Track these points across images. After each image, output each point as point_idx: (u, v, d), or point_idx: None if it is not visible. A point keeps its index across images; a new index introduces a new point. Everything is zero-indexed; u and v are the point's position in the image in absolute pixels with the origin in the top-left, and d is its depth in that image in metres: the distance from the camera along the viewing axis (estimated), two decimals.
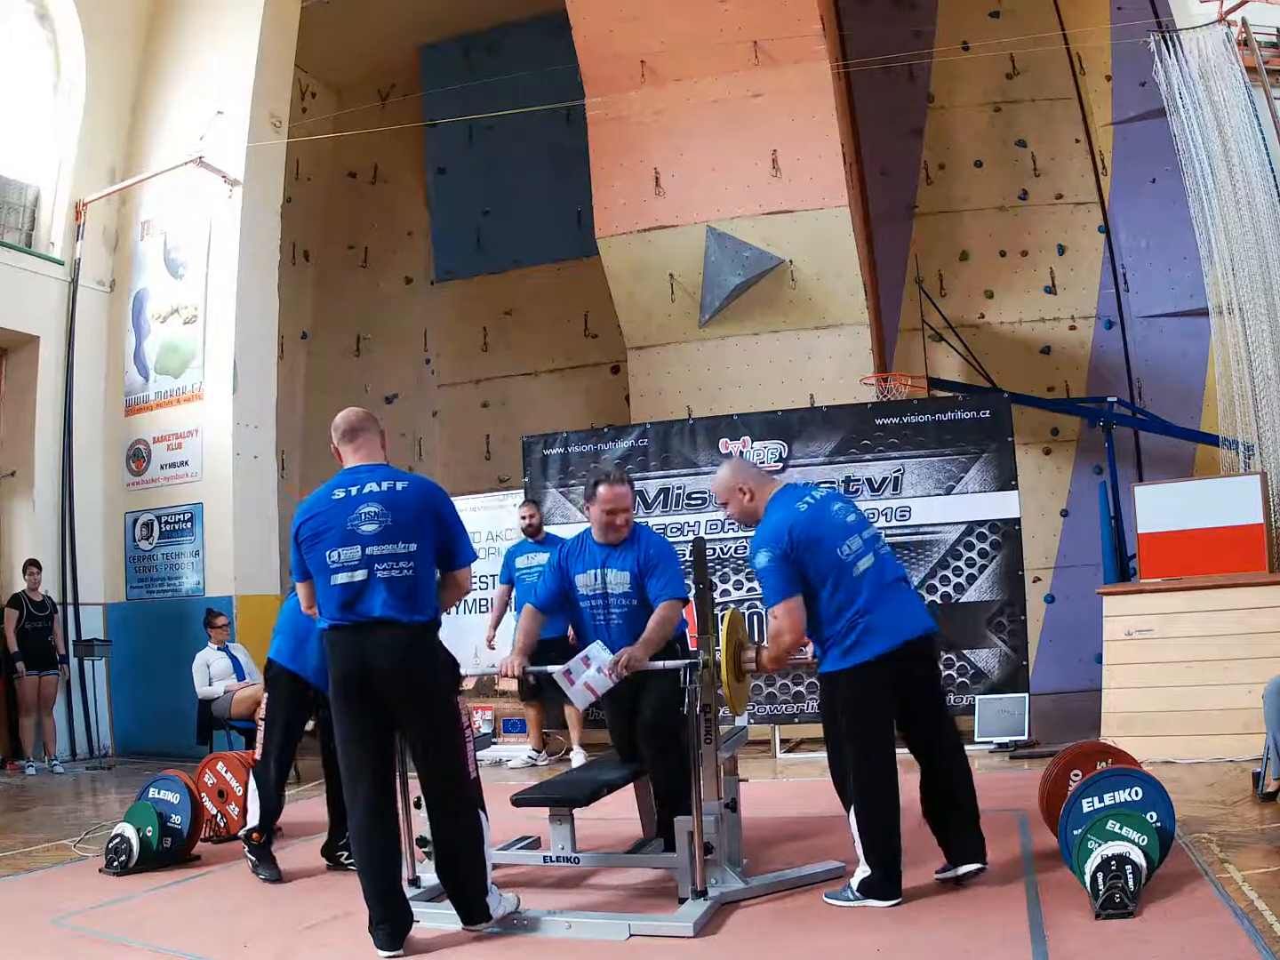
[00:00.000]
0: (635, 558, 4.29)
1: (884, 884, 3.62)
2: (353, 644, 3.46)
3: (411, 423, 11.89)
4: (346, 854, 4.80)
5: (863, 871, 3.65)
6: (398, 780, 3.77)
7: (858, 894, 3.64)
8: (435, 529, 3.52)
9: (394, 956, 3.37)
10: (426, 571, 3.51)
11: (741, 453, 7.73)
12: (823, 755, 7.20)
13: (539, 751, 7.61)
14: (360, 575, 3.44)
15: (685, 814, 3.74)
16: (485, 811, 3.58)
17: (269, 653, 4.78)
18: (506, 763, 7.52)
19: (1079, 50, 10.58)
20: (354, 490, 3.52)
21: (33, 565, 8.70)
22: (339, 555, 3.47)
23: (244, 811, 4.67)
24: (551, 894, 4.09)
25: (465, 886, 3.50)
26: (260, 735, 4.68)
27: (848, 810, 3.76)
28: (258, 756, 4.66)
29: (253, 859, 4.54)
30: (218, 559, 9.08)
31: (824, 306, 9.44)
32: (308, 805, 6.41)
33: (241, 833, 4.63)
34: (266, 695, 4.73)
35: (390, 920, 3.41)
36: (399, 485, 3.52)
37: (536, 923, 3.57)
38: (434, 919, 3.68)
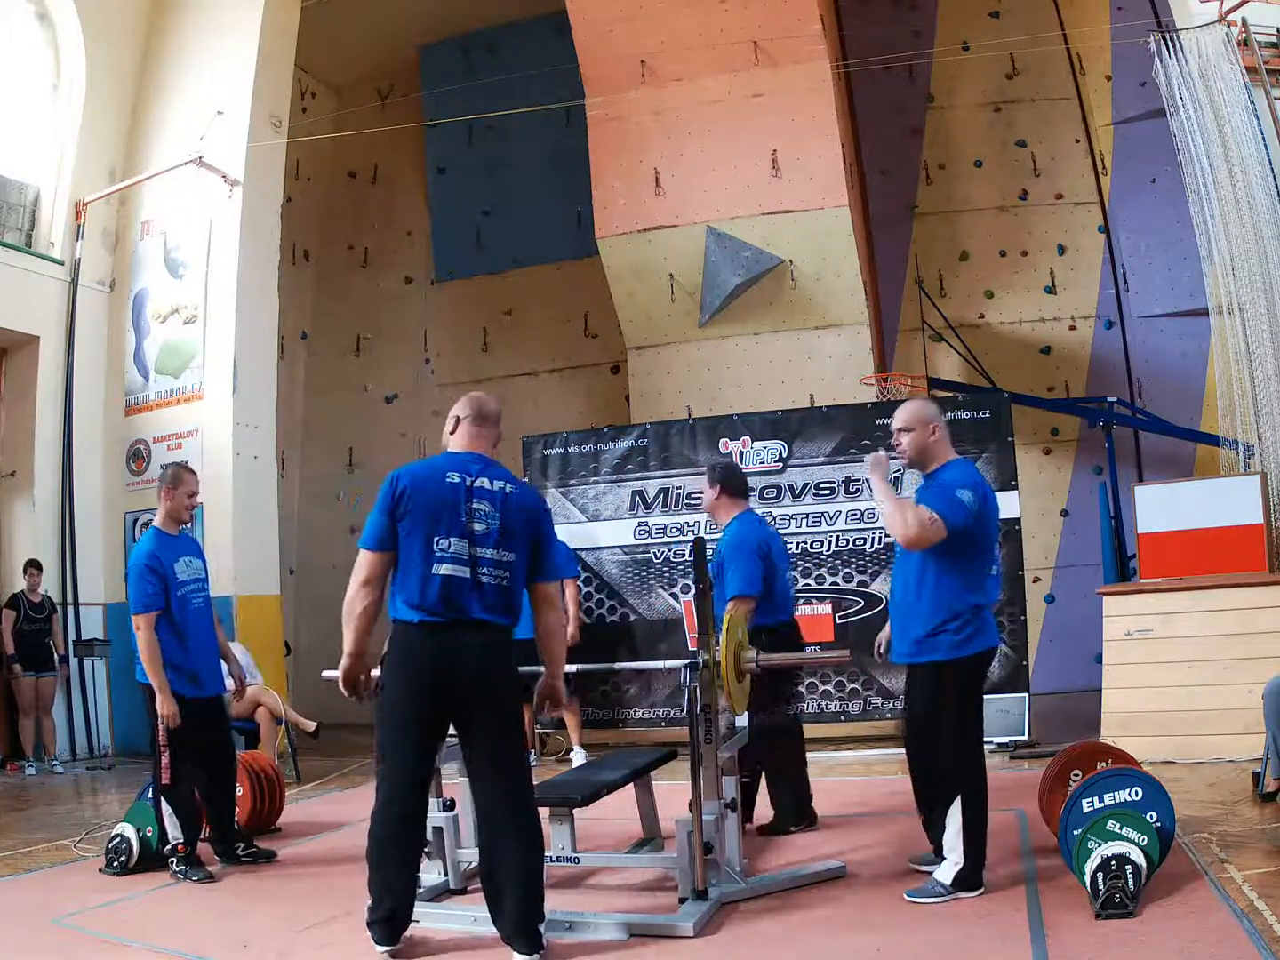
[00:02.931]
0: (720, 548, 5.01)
1: (974, 875, 3.67)
2: (445, 641, 3.31)
3: (412, 423, 11.85)
4: (243, 846, 4.86)
5: (955, 864, 3.66)
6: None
7: (950, 887, 3.65)
8: (532, 539, 3.43)
9: (392, 951, 3.37)
10: (520, 581, 3.44)
11: (742, 453, 7.72)
12: (821, 755, 7.26)
13: (528, 752, 7.62)
14: (464, 572, 3.31)
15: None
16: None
17: (138, 677, 4.68)
18: None
19: (1079, 50, 10.57)
20: (468, 480, 3.38)
21: (33, 567, 8.69)
22: (449, 545, 3.31)
23: (162, 832, 4.63)
24: (551, 894, 4.07)
25: (528, 910, 3.28)
26: (164, 759, 4.59)
27: (937, 804, 3.78)
28: (166, 780, 4.59)
29: (183, 869, 4.54)
30: (217, 559, 9.00)
31: (824, 306, 9.44)
32: (308, 805, 6.42)
33: (167, 849, 4.59)
34: (159, 720, 4.62)
35: (391, 916, 3.39)
36: (508, 489, 3.41)
37: None
38: (434, 919, 3.69)
